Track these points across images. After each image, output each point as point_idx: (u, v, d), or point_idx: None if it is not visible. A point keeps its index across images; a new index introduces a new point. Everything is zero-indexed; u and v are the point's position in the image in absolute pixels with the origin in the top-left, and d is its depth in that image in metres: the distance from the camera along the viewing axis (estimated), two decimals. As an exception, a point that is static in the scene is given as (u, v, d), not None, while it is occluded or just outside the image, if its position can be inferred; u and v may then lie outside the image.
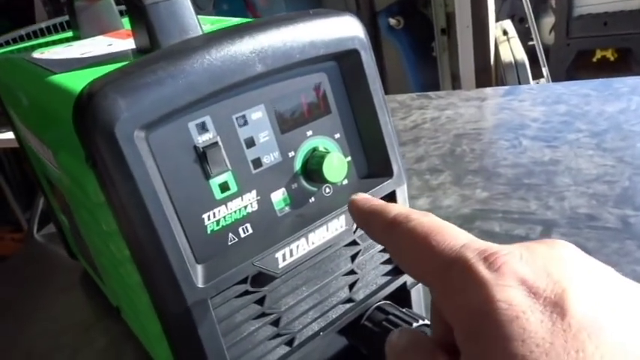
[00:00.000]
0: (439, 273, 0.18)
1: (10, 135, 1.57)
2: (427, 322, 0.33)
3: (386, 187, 0.33)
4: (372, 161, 0.33)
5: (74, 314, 0.53)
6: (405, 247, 0.20)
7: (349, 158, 0.32)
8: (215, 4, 1.90)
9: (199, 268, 0.27)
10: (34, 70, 0.36)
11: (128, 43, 0.37)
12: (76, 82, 0.28)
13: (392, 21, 1.81)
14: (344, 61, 0.31)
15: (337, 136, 0.32)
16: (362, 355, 0.36)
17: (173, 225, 0.26)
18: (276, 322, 0.31)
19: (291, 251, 0.29)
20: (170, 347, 0.29)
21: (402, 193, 0.34)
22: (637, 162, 0.59)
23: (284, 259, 0.29)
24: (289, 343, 0.32)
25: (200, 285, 0.26)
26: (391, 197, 0.34)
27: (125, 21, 0.45)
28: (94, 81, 0.24)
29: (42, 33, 0.54)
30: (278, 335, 0.31)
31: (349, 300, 0.34)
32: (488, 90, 0.90)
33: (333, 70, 0.31)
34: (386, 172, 0.33)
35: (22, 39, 0.55)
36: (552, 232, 0.51)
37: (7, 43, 0.55)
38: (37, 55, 0.40)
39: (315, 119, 0.31)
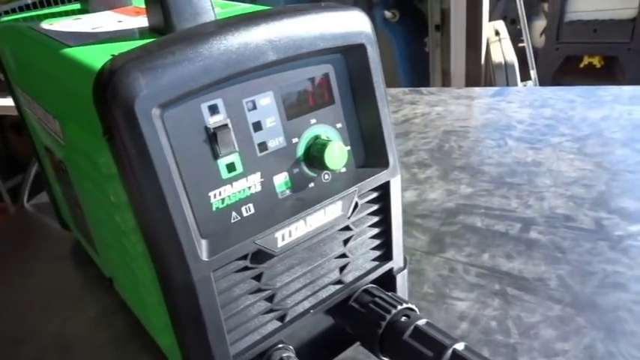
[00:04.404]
0: None
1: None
2: (410, 305, 0.36)
3: (381, 177, 0.35)
4: (370, 151, 0.35)
5: (64, 284, 0.54)
6: None
7: (349, 147, 0.34)
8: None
9: (204, 243, 0.28)
10: (46, 41, 0.36)
11: (138, 21, 0.38)
12: (93, 57, 0.29)
13: (387, 14, 1.82)
14: (350, 54, 0.33)
15: (339, 125, 0.33)
16: (348, 334, 0.38)
17: (182, 200, 0.27)
18: (270, 298, 0.33)
19: (290, 232, 0.31)
20: (170, 317, 0.30)
21: (395, 184, 0.36)
22: (614, 168, 0.62)
23: (283, 239, 0.31)
24: (281, 318, 0.34)
25: (204, 258, 0.28)
26: (385, 188, 0.36)
27: (133, -2, 0.45)
28: (115, 58, 0.25)
29: (48, 3, 0.54)
30: (271, 310, 0.33)
31: (339, 282, 0.36)
32: (478, 89, 0.92)
33: (339, 62, 0.33)
34: (382, 162, 0.35)
35: (28, 7, 0.56)
36: (530, 230, 0.53)
37: (13, 11, 0.55)
38: (46, 25, 0.40)
39: (319, 108, 0.32)
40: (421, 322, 0.34)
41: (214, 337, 0.30)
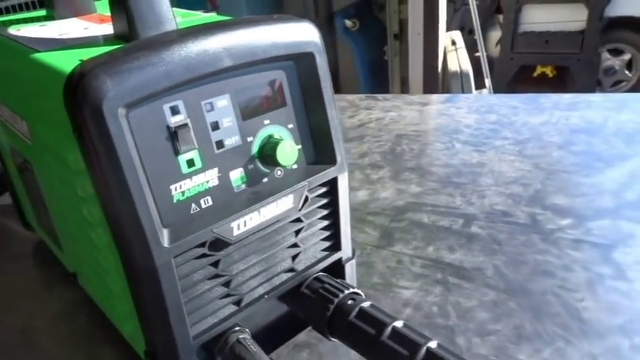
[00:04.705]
0: None
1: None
2: (356, 290, 0.39)
3: (329, 173, 0.38)
4: (319, 150, 0.38)
5: (27, 282, 0.55)
6: None
7: (299, 146, 0.37)
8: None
9: (165, 231, 0.31)
10: (14, 46, 0.38)
11: (103, 28, 0.40)
12: (63, 62, 0.32)
13: (348, 23, 1.88)
14: (300, 61, 0.36)
15: (290, 125, 0.37)
16: (300, 320, 0.41)
17: (145, 192, 0.30)
18: (227, 284, 0.36)
19: (244, 222, 0.34)
20: (134, 302, 0.33)
21: (342, 180, 0.40)
22: (550, 168, 0.68)
23: (238, 229, 0.34)
24: (237, 303, 0.37)
25: (166, 245, 0.31)
26: (333, 183, 0.39)
27: (99, 4, 0.48)
28: (84, 62, 0.28)
29: (14, 9, 0.55)
30: (228, 295, 0.36)
31: (291, 269, 0.40)
32: (431, 96, 0.97)
33: (291, 69, 0.36)
34: (330, 160, 0.38)
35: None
36: (472, 225, 0.58)
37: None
38: (13, 31, 0.42)
39: (272, 110, 0.36)
40: (365, 305, 0.37)
41: (175, 319, 0.33)
